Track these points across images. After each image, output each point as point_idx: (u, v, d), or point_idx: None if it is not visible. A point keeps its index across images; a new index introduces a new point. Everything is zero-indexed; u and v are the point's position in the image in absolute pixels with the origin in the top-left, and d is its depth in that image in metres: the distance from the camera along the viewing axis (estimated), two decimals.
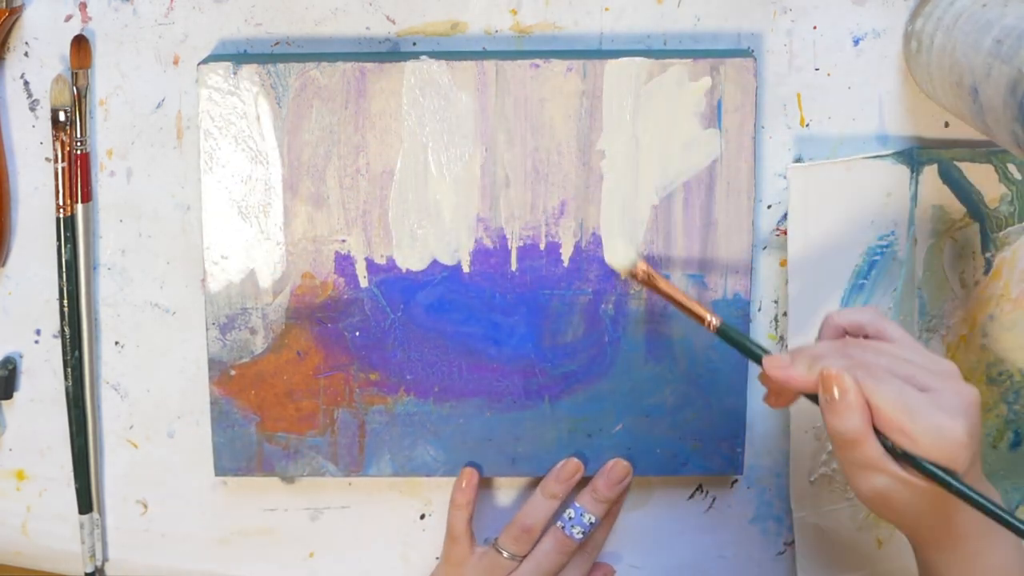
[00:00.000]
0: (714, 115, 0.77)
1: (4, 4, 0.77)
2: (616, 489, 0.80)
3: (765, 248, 0.81)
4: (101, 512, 0.84)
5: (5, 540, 0.85)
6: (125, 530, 0.85)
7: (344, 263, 0.78)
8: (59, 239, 0.80)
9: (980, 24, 0.69)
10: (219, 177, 0.78)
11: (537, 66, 0.76)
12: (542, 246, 0.78)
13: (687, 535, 0.85)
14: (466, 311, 0.79)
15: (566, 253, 0.78)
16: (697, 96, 0.76)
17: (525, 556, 0.79)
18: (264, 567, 0.85)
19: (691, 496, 0.84)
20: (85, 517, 0.83)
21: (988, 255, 0.81)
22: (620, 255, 0.73)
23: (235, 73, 0.76)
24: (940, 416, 0.63)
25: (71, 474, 0.83)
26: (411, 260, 0.78)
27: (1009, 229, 0.80)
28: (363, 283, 0.79)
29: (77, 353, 0.81)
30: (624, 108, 0.77)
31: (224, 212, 0.78)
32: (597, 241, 0.78)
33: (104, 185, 0.81)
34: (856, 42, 0.79)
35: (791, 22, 0.79)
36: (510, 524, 0.80)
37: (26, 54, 0.79)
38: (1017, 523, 0.62)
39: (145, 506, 0.84)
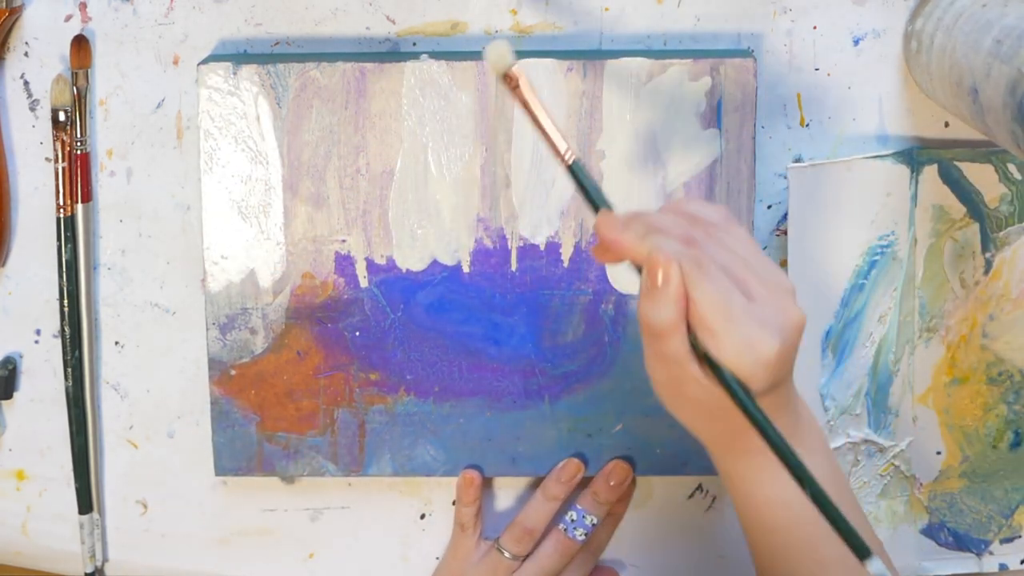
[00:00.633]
0: (714, 115, 0.77)
1: (4, 4, 0.77)
2: (616, 491, 0.80)
3: (765, 248, 0.81)
4: (101, 512, 0.84)
5: (5, 540, 0.85)
6: (125, 530, 0.85)
7: (344, 263, 0.78)
8: (59, 239, 0.80)
9: (980, 24, 0.69)
10: (219, 177, 0.78)
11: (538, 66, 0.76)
12: (542, 246, 0.78)
13: (687, 535, 0.85)
14: (466, 311, 0.79)
15: (566, 253, 0.78)
16: (697, 96, 0.76)
17: (527, 557, 0.79)
18: (264, 567, 0.85)
19: (691, 496, 0.84)
20: (85, 517, 0.83)
21: (988, 255, 0.81)
22: (496, 54, 0.64)
23: (235, 73, 0.76)
24: (754, 328, 0.59)
25: (71, 474, 0.83)
26: (411, 260, 0.78)
27: (1009, 229, 0.80)
28: (363, 283, 0.79)
29: (77, 353, 0.81)
30: (624, 108, 0.77)
31: (224, 212, 0.78)
32: (597, 242, 0.78)
33: (104, 185, 0.81)
34: (856, 42, 0.79)
35: (791, 22, 0.79)
36: (512, 525, 0.80)
37: (26, 54, 0.79)
38: (794, 461, 0.59)
39: (145, 506, 0.84)
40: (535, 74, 0.76)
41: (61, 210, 0.79)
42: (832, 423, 0.81)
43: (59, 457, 0.84)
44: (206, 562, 0.85)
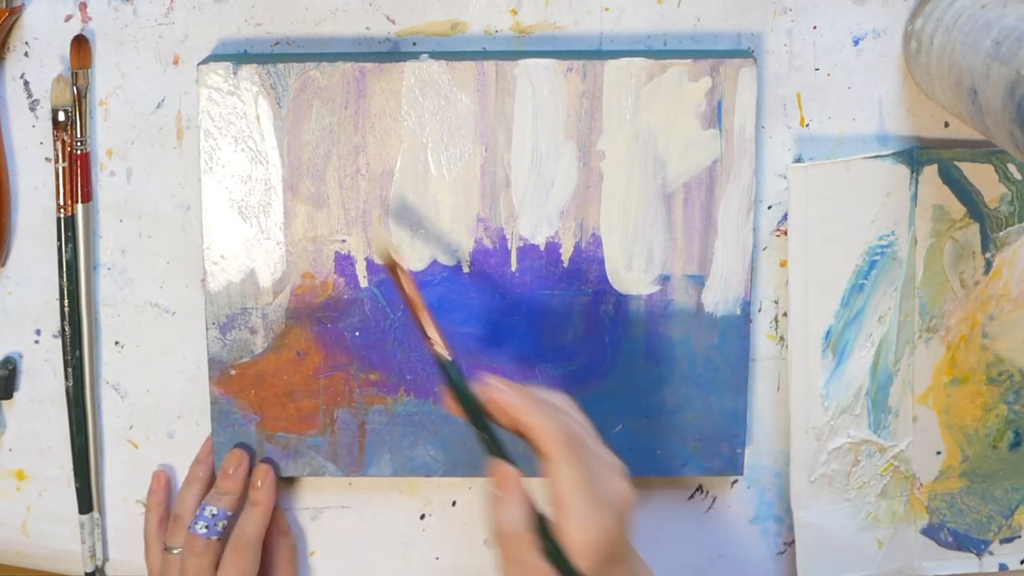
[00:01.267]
0: (714, 115, 0.77)
1: (4, 4, 0.77)
2: (232, 480, 0.79)
3: (765, 248, 0.81)
4: (101, 512, 0.84)
5: (5, 540, 0.85)
6: (125, 530, 0.85)
7: (344, 263, 0.78)
8: (59, 239, 0.80)
9: (979, 25, 0.69)
10: (219, 177, 0.78)
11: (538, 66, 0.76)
12: (542, 246, 0.78)
13: (687, 535, 0.85)
14: (466, 311, 0.79)
15: (566, 253, 0.78)
16: (697, 96, 0.76)
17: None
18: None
19: (691, 496, 0.84)
20: (85, 517, 0.83)
21: (988, 255, 0.81)
22: (379, 244, 0.68)
23: (235, 73, 0.76)
24: (599, 510, 0.63)
25: (71, 474, 0.83)
26: (411, 260, 0.78)
27: (1009, 229, 0.80)
28: (363, 283, 0.79)
29: (77, 353, 0.81)
30: (624, 108, 0.77)
31: (224, 212, 0.78)
32: (597, 242, 0.78)
33: (104, 185, 0.81)
34: (856, 42, 0.79)
35: (791, 22, 0.79)
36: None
37: (26, 54, 0.79)
38: None
39: (145, 506, 0.84)
40: (535, 74, 0.76)
41: (61, 210, 0.80)
42: (832, 423, 0.81)
43: (59, 457, 0.84)
44: None
